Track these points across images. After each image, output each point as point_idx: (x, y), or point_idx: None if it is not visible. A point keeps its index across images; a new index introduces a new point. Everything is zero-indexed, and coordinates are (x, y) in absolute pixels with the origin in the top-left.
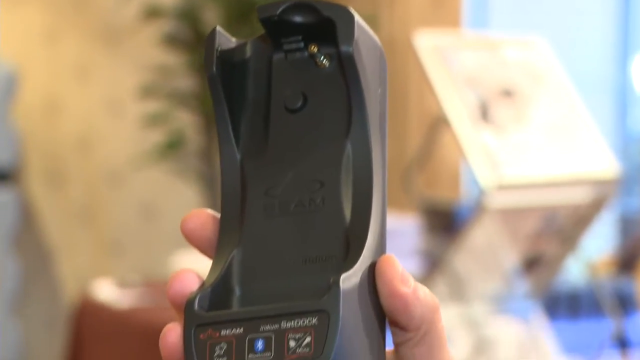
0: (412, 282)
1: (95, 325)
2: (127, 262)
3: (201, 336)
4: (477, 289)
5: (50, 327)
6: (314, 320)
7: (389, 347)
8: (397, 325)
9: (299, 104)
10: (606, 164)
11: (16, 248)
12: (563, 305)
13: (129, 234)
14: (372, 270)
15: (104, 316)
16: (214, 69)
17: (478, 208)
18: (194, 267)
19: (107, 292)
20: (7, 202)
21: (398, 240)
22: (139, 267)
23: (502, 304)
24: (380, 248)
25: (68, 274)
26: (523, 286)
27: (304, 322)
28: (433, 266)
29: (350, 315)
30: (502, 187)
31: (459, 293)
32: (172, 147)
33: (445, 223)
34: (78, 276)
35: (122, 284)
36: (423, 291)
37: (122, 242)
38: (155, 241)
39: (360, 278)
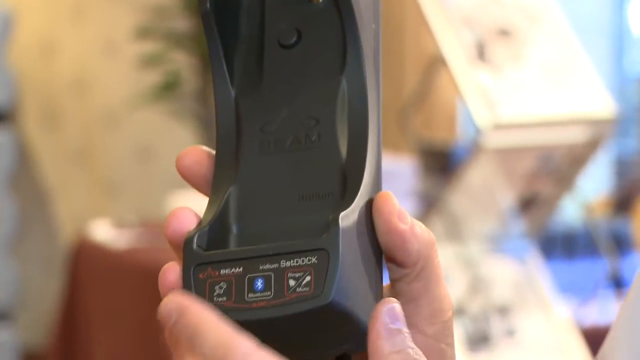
0: (409, 218)
1: (92, 265)
2: (123, 203)
3: (200, 275)
4: (473, 229)
5: (47, 268)
6: (314, 259)
7: (386, 283)
8: (394, 261)
9: (293, 39)
10: (603, 104)
11: (13, 189)
12: (559, 246)
13: (125, 175)
14: (369, 207)
15: (100, 256)
16: (208, 5)
17: (474, 148)
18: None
19: (104, 232)
20: (4, 144)
21: (394, 181)
22: (135, 208)
23: (497, 243)
24: (377, 185)
25: (65, 214)
26: (519, 226)
27: (303, 261)
28: (429, 207)
29: (349, 253)
30: (498, 127)
31: (455, 233)
32: (168, 88)
33: (442, 163)
34: (75, 217)
35: (119, 224)
36: (420, 227)
37: (118, 183)
38: (152, 182)
39: (358, 215)
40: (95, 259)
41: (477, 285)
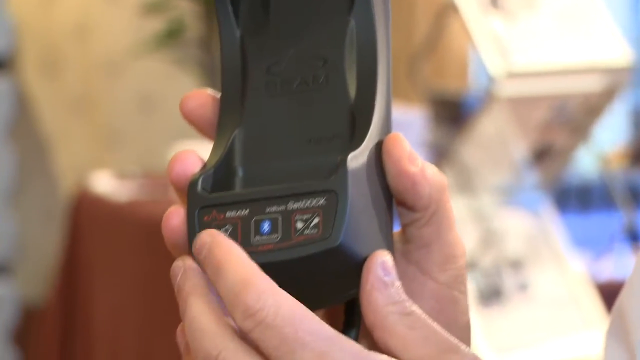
0: (420, 161)
1: (93, 218)
2: (125, 154)
3: (205, 218)
4: (486, 181)
5: (47, 220)
6: (322, 201)
7: (396, 228)
8: (404, 205)
9: None
10: (619, 52)
11: (12, 139)
12: (573, 198)
13: (127, 124)
14: (379, 150)
15: (102, 209)
16: None
17: (487, 97)
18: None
19: (105, 184)
20: (2, 92)
21: (404, 132)
22: (138, 159)
23: (510, 196)
24: (387, 127)
25: (65, 165)
26: (532, 178)
27: (311, 202)
28: (440, 158)
29: (359, 195)
30: (511, 75)
31: (466, 185)
32: (171, 35)
33: (453, 113)
34: (75, 168)
35: (121, 175)
36: (431, 170)
37: (120, 133)
38: (154, 132)
39: (368, 157)
40: (97, 211)
41: (489, 238)
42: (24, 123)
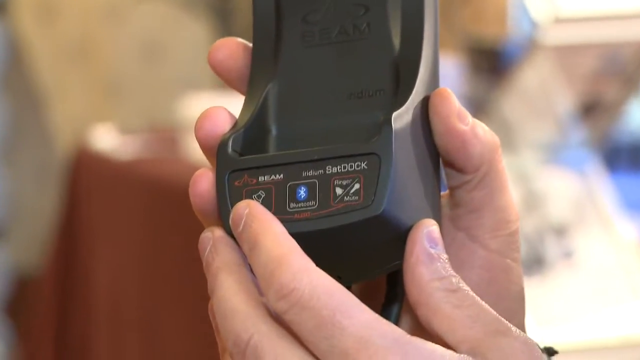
0: (470, 118)
1: (94, 177)
2: (128, 107)
3: (236, 183)
4: (528, 137)
5: (43, 179)
6: (363, 165)
7: (444, 191)
8: (453, 166)
9: None
10: None
11: (5, 89)
12: (624, 157)
13: (130, 75)
14: (425, 106)
15: (103, 167)
16: None
17: (529, 45)
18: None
19: (107, 140)
20: None
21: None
22: (142, 113)
23: (555, 153)
24: (434, 81)
25: (62, 119)
26: (579, 134)
27: (351, 166)
28: (478, 112)
29: (403, 158)
30: (557, 21)
31: (506, 142)
32: None
33: (492, 63)
34: (73, 122)
35: (123, 130)
36: (482, 128)
37: (122, 84)
38: (160, 83)
39: (413, 115)
40: (97, 170)
41: (531, 201)
42: (18, 73)
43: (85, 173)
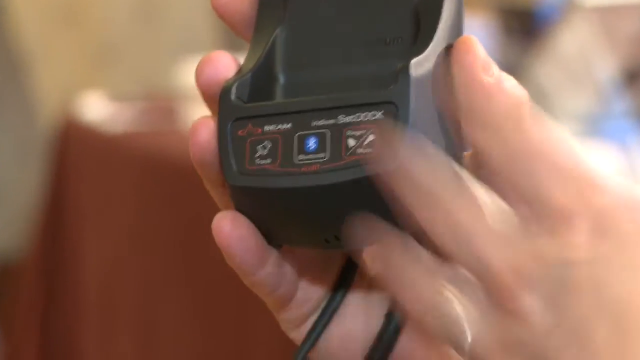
0: (496, 69)
1: (82, 152)
2: (120, 73)
3: (240, 132)
4: (565, 107)
5: (25, 155)
6: (378, 114)
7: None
8: (477, 123)
9: None
10: None
11: None
12: None
13: (122, 36)
14: (447, 56)
15: (93, 141)
16: None
17: (567, 5)
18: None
19: (97, 109)
20: None
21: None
22: (135, 78)
23: (595, 125)
24: (457, 28)
25: (47, 86)
26: (621, 103)
27: (365, 116)
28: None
29: (422, 109)
30: None
31: (542, 111)
32: None
33: (526, 25)
34: (60, 89)
35: (115, 98)
36: (509, 81)
37: (113, 47)
38: (156, 46)
39: (434, 64)
40: (86, 144)
41: None
42: None
43: (73, 147)
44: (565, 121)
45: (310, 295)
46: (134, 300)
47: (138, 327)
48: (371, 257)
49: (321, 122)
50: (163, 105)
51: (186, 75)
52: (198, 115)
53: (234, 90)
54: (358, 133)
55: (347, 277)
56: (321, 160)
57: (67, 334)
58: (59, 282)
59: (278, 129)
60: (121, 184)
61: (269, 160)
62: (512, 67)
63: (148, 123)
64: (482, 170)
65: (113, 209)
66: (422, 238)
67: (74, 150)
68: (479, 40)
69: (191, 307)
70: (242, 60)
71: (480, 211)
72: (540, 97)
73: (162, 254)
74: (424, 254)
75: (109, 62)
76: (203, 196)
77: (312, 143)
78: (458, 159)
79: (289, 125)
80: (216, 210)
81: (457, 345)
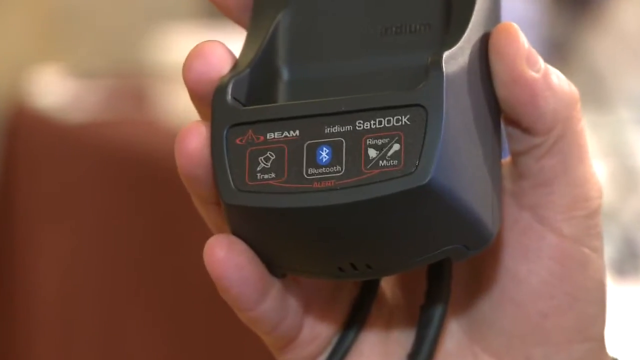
0: (542, 63)
1: (37, 144)
2: (81, 45)
3: (237, 141)
4: (625, 92)
5: None
6: (405, 120)
7: (505, 156)
8: (518, 125)
9: None
10: None
11: None
12: None
13: (84, 1)
14: (484, 46)
15: (49, 133)
16: None
17: None
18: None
19: (53, 91)
20: None
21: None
22: (100, 51)
23: None
24: (495, 14)
25: None
26: None
27: (389, 122)
28: (560, 58)
29: (457, 112)
30: None
31: (597, 97)
32: None
33: None
34: (8, 66)
35: (76, 75)
36: (557, 76)
37: (73, 13)
38: (125, 12)
39: (470, 57)
40: (41, 137)
41: (627, 177)
42: None
43: (26, 138)
44: (625, 109)
45: (318, 332)
46: (97, 311)
47: (100, 341)
48: None
49: (336, 129)
50: (132, 87)
51: (162, 48)
52: (176, 99)
53: (229, 89)
54: (380, 142)
55: (361, 310)
56: (336, 174)
57: (20, 350)
58: (9, 292)
59: (284, 137)
60: (82, 183)
61: (272, 175)
62: (562, 45)
63: (115, 109)
64: (524, 182)
65: (72, 210)
66: None
67: (26, 143)
68: (522, 13)
69: (161, 318)
70: (238, 52)
71: None
72: (595, 80)
73: (130, 261)
74: None
75: (67, 31)
76: (175, 196)
77: (325, 154)
78: (495, 169)
79: (296, 133)
80: (198, 224)
81: None
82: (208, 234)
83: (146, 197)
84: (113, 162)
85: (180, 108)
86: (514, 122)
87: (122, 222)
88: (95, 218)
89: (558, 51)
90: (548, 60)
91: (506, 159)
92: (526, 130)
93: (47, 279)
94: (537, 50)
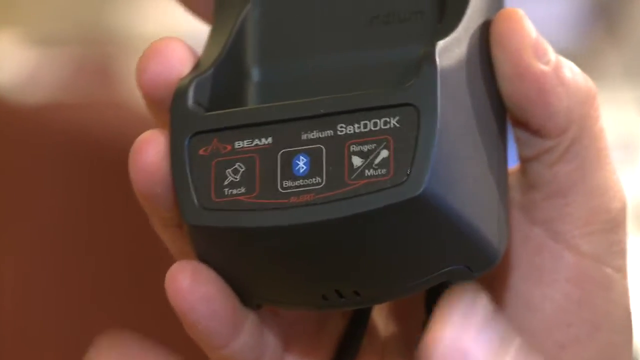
0: (553, 55)
1: None
2: (41, 7)
3: (201, 152)
4: None
5: None
6: (393, 122)
7: (512, 164)
8: (527, 127)
9: None
10: None
11: None
12: None
13: None
14: (485, 36)
15: (2, 118)
16: None
17: None
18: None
19: (7, 62)
20: None
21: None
22: (64, 16)
23: None
24: None
25: None
26: None
27: (375, 124)
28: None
29: (453, 112)
30: None
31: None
32: None
33: None
34: None
35: (34, 41)
36: (570, 70)
37: None
38: None
39: (468, 49)
40: None
41: None
42: None
43: None
44: None
45: None
46: (62, 321)
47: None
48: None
49: (314, 135)
50: (99, 59)
51: (133, 14)
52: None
53: (190, 92)
54: (366, 148)
55: (350, 345)
56: (316, 187)
57: None
58: None
59: (254, 145)
60: (41, 174)
61: (242, 190)
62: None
63: (78, 88)
64: (535, 192)
65: (31, 206)
66: None
67: None
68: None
69: (135, 326)
70: (200, 48)
71: None
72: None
73: (98, 265)
74: None
75: None
76: None
77: (302, 164)
78: (501, 177)
79: (269, 140)
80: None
81: None
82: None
83: (113, 191)
84: (76, 151)
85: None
86: (522, 123)
87: (88, 218)
88: (56, 214)
89: (603, 20)
90: (591, 30)
91: (514, 167)
92: (536, 132)
93: (2, 282)
94: (565, 13)
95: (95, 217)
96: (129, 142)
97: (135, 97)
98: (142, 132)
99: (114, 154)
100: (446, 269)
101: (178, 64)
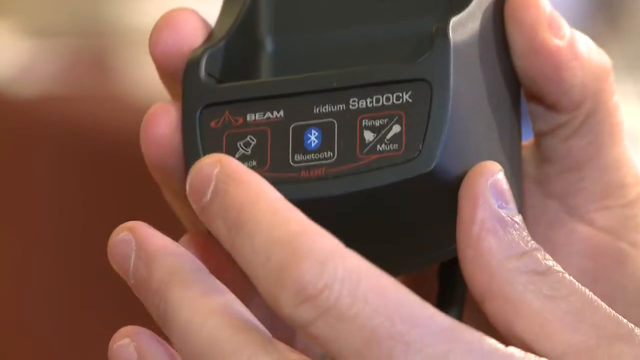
0: (567, 29)
1: None
2: (34, 1)
3: (213, 124)
4: None
5: None
6: (406, 97)
7: (526, 138)
8: (542, 102)
9: None
10: None
11: None
12: None
13: None
14: (499, 11)
15: None
16: None
17: None
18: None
19: (1, 53)
20: None
21: None
22: (58, 10)
23: None
24: None
25: None
26: None
27: (388, 99)
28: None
29: (466, 87)
30: None
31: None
32: None
33: None
34: None
35: (29, 32)
36: (585, 45)
37: None
38: None
39: (482, 24)
40: None
41: None
42: None
43: None
44: None
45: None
46: (56, 320)
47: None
48: None
49: (326, 109)
50: (95, 51)
51: (130, 5)
52: (145, 69)
53: (203, 64)
54: (378, 123)
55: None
56: (327, 161)
57: None
58: None
59: (266, 118)
60: (35, 166)
61: (254, 163)
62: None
63: (74, 81)
64: (550, 167)
65: (25, 201)
66: None
67: None
68: None
69: (121, 324)
70: (213, 20)
71: None
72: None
73: (92, 262)
74: None
75: None
76: (143, 186)
77: (313, 138)
78: (515, 152)
79: (280, 113)
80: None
81: None
82: (180, 229)
83: (108, 183)
84: (71, 144)
85: (149, 80)
86: (536, 98)
87: (83, 214)
88: (50, 210)
89: (605, 12)
90: (594, 20)
91: (528, 141)
92: (550, 106)
93: None
94: (580, 11)
95: (89, 210)
96: (125, 135)
97: (131, 90)
98: (137, 126)
99: (109, 147)
100: (454, 244)
101: (191, 35)
